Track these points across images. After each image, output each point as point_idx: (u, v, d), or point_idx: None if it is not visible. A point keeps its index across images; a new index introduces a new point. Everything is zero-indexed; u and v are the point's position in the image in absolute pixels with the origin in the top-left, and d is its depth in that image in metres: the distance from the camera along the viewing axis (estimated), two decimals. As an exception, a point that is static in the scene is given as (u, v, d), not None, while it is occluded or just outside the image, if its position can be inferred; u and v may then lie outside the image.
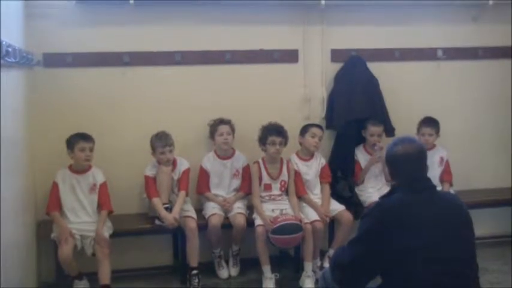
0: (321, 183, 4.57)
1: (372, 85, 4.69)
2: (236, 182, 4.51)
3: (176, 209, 4.18)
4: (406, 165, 2.64)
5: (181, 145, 4.35)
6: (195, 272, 4.20)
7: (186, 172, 4.36)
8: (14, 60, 3.25)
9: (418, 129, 4.69)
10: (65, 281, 4.08)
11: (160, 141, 4.22)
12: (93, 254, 3.98)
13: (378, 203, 2.75)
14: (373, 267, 2.54)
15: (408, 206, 2.55)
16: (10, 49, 3.12)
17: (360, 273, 2.59)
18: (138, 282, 4.38)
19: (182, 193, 4.28)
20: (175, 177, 4.33)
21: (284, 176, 4.46)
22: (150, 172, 4.29)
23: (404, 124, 4.69)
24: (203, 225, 4.28)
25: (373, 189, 4.60)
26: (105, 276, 3.92)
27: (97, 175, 4.17)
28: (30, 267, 3.92)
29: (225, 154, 4.50)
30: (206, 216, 4.32)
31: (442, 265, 2.43)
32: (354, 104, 4.60)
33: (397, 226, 2.48)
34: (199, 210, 4.41)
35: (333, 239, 4.49)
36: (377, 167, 4.64)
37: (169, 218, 4.13)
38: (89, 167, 4.16)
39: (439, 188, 4.44)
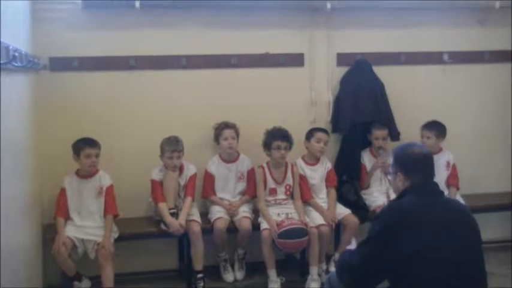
0: (327, 187, 4.57)
1: (377, 89, 4.68)
2: (241, 186, 4.52)
3: (182, 215, 4.18)
4: (422, 165, 2.68)
5: (187, 148, 4.34)
6: (200, 275, 4.20)
7: (193, 178, 4.36)
8: (20, 65, 3.26)
9: (420, 133, 4.68)
10: (70, 283, 4.09)
11: (170, 146, 4.22)
12: (97, 258, 3.98)
13: (388, 205, 2.79)
14: (383, 269, 2.54)
15: (418, 209, 2.57)
16: (17, 53, 3.13)
17: (370, 275, 2.60)
18: (144, 285, 4.38)
19: (189, 199, 4.28)
20: (182, 183, 4.33)
21: (289, 180, 4.46)
22: (157, 176, 4.28)
23: (410, 128, 4.68)
24: (209, 229, 4.28)
25: (379, 192, 4.59)
26: (108, 281, 3.93)
27: (104, 178, 4.17)
28: (36, 270, 3.93)
29: (230, 158, 4.50)
30: (211, 220, 4.32)
31: (452, 268, 2.45)
32: (360, 108, 4.60)
33: (407, 228, 2.49)
34: (204, 214, 4.42)
35: (339, 243, 4.48)
36: (382, 171, 4.64)
37: (175, 225, 4.12)
38: (96, 171, 4.16)
39: (445, 192, 4.42)
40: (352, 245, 2.93)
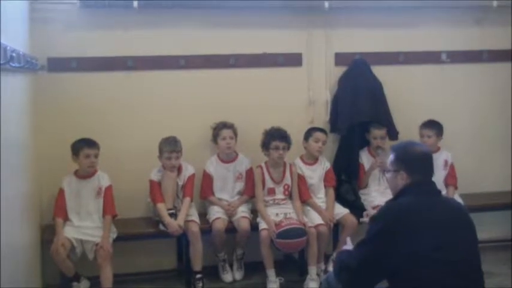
0: (325, 187, 4.57)
1: (375, 88, 4.68)
2: (240, 185, 4.52)
3: (181, 216, 4.18)
4: (424, 164, 2.69)
5: (186, 148, 4.34)
6: (199, 276, 4.20)
7: (191, 178, 4.36)
8: (18, 65, 3.26)
9: (419, 132, 4.68)
10: (68, 284, 4.09)
11: (169, 146, 4.22)
12: (95, 258, 3.98)
13: (386, 205, 2.77)
14: (382, 269, 2.54)
15: (416, 209, 2.57)
16: (15, 54, 3.12)
17: (368, 276, 2.59)
18: (142, 285, 4.38)
19: (187, 200, 4.27)
20: (180, 183, 4.33)
21: (287, 179, 4.46)
22: (155, 177, 4.28)
23: (408, 127, 4.67)
24: (207, 229, 4.28)
25: (377, 192, 4.58)
26: (107, 281, 3.93)
27: (102, 179, 4.17)
28: (34, 270, 3.93)
29: (228, 158, 4.50)
30: (210, 220, 4.32)
31: (450, 267, 2.45)
32: (358, 108, 4.59)
33: (406, 229, 2.49)
34: (203, 214, 4.41)
35: (337, 242, 4.48)
36: (380, 170, 4.64)
37: (174, 226, 4.12)
38: (94, 171, 4.16)
39: (443, 192, 4.43)
40: (348, 245, 2.92)
